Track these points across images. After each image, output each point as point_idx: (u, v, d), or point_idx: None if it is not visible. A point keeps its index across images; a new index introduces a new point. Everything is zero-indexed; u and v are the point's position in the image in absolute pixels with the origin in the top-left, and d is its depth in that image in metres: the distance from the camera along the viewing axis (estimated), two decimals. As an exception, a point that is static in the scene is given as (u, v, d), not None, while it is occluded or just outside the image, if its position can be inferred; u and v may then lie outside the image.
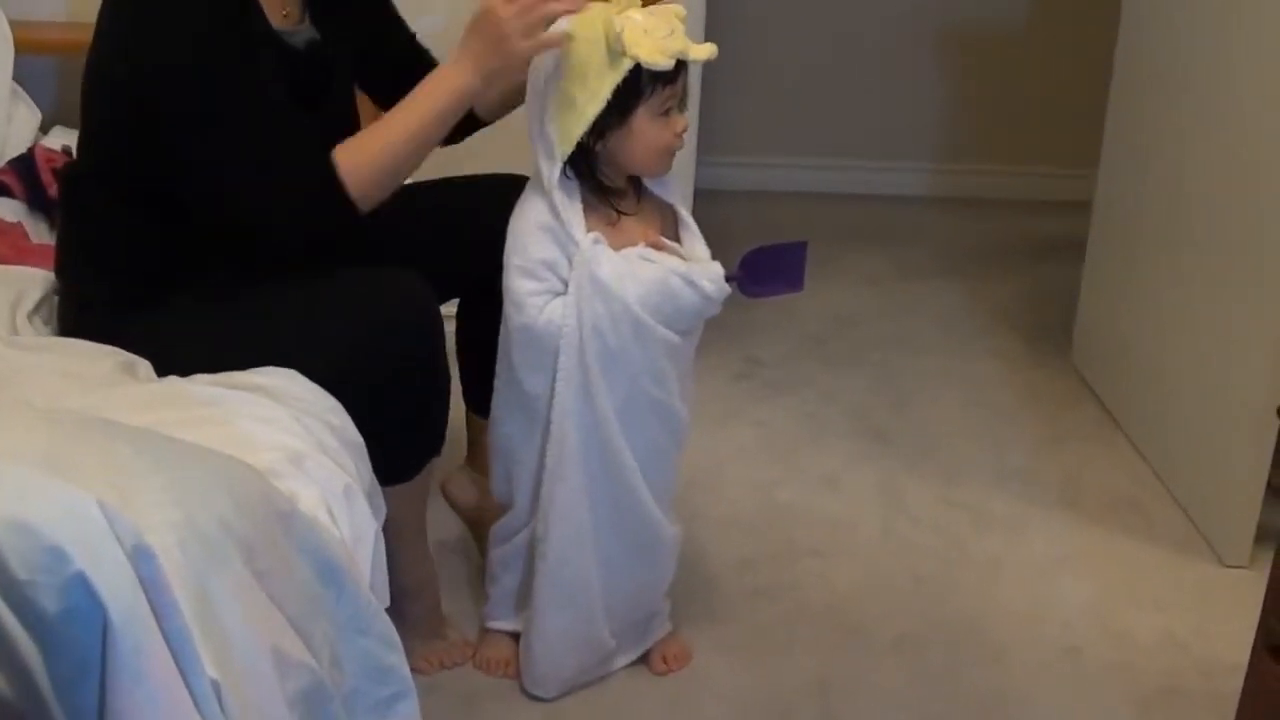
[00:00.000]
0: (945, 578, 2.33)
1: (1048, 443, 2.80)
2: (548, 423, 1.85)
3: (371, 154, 1.75)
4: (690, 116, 2.74)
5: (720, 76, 3.84)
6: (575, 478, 1.86)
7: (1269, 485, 2.38)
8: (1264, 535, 2.36)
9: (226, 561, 1.15)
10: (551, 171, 1.80)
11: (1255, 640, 1.73)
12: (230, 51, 1.71)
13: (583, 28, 1.75)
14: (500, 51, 1.73)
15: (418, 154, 1.78)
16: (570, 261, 1.81)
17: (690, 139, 2.85)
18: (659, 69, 1.75)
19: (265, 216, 1.74)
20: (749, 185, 4.11)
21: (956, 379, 3.06)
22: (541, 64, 1.78)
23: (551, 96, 1.78)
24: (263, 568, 1.22)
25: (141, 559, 0.83)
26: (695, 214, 3.06)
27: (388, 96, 2.01)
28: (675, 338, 1.85)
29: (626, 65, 1.74)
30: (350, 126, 1.92)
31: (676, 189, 1.96)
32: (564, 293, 1.81)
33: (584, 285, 1.79)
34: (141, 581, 0.83)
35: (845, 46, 4.10)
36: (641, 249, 1.84)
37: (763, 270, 1.92)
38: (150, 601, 0.83)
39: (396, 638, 1.48)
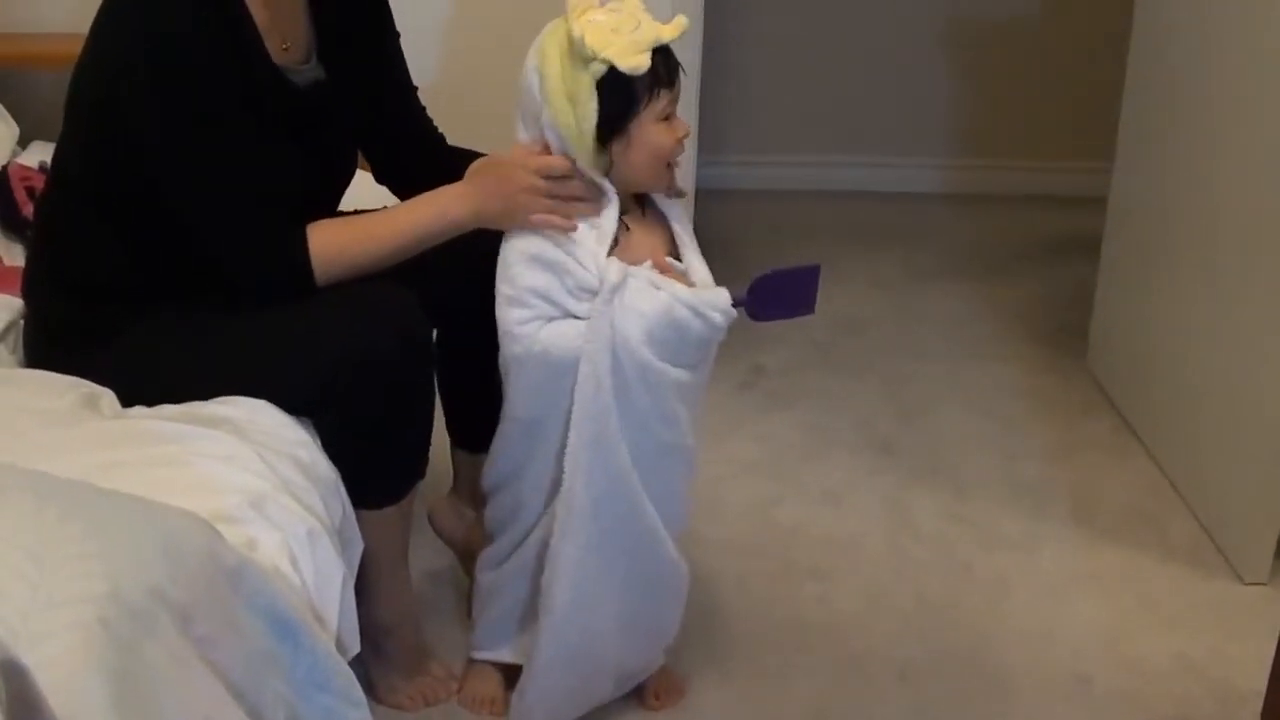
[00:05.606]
0: (951, 600, 2.25)
1: (1061, 454, 2.71)
2: (556, 465, 1.75)
3: (343, 245, 1.75)
4: (690, 115, 2.68)
5: (723, 71, 3.76)
6: (585, 535, 1.75)
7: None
8: (1284, 551, 2.28)
9: (157, 632, 1.08)
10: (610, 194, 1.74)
11: (1271, 677, 1.65)
12: (229, 90, 1.69)
13: (552, 49, 1.69)
14: (507, 211, 1.75)
15: (387, 261, 1.78)
16: (565, 286, 1.71)
17: (690, 139, 2.76)
18: (636, 72, 1.67)
19: (230, 262, 1.74)
20: (753, 184, 4.02)
21: (967, 387, 2.97)
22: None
23: (555, 131, 1.72)
24: (202, 633, 1.16)
25: (11, 675, 0.77)
26: (697, 215, 3.03)
27: (384, 167, 2.03)
28: (686, 376, 1.74)
29: (599, 69, 1.67)
30: (344, 173, 1.93)
31: (676, 203, 1.86)
32: (558, 317, 1.72)
33: (601, 322, 1.68)
34: (11, 698, 0.76)
35: (852, 38, 3.99)
36: (649, 272, 1.73)
37: (772, 294, 1.83)
38: (21, 720, 0.77)
39: (360, 693, 1.42)
